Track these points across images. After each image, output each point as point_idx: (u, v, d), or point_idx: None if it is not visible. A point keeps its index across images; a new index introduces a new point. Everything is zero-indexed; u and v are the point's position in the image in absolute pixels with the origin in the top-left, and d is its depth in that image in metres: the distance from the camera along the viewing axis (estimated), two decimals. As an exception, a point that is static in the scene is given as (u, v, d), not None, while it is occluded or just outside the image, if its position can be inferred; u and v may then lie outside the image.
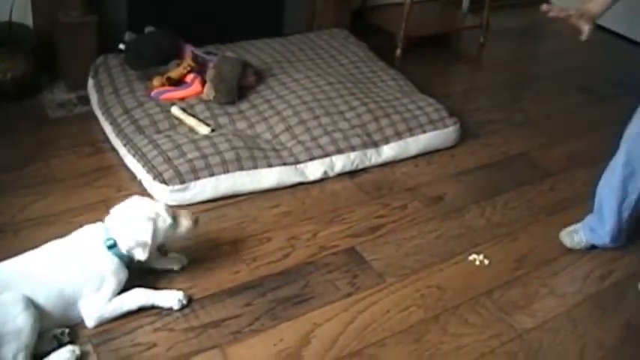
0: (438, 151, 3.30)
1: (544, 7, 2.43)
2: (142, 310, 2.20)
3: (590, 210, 2.73)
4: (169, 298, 2.22)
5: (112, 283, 2.14)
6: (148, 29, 3.37)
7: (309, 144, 3.00)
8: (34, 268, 2.07)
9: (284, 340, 2.18)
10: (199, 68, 3.25)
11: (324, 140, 3.02)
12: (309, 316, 2.29)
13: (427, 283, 2.49)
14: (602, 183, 2.66)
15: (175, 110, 3.05)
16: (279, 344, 2.17)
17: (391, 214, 2.84)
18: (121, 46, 3.28)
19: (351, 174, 3.05)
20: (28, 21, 3.40)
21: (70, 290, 2.07)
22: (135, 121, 2.98)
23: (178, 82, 3.21)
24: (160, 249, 2.33)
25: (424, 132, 3.23)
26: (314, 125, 3.08)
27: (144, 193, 2.66)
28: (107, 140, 3.03)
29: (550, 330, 2.36)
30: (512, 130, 3.63)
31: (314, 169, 2.95)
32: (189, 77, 3.21)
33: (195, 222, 2.33)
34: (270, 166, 2.86)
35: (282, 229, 2.68)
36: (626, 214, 2.61)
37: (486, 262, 2.63)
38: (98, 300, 2.12)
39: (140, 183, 2.76)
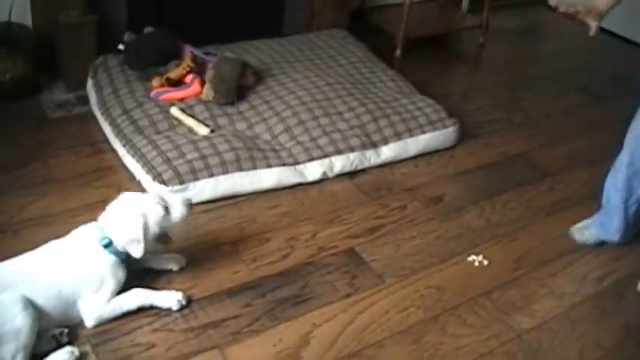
0: (437, 151, 3.30)
1: (553, 1, 2.46)
2: (141, 310, 2.20)
3: (594, 208, 2.76)
4: (168, 298, 2.22)
5: (110, 282, 2.14)
6: (148, 29, 3.37)
7: (308, 144, 3.00)
8: (34, 269, 2.07)
9: (283, 341, 2.18)
10: (198, 69, 3.25)
11: (323, 141, 3.02)
12: (309, 317, 2.29)
13: (426, 284, 2.50)
14: (607, 182, 2.69)
15: (174, 111, 3.05)
16: (278, 345, 2.17)
17: (390, 215, 2.84)
18: (121, 47, 3.28)
19: (351, 175, 3.05)
20: (28, 21, 3.40)
21: (69, 290, 2.07)
22: (134, 122, 2.98)
23: (178, 83, 3.21)
24: (162, 239, 2.30)
25: (423, 132, 3.23)
26: (313, 126, 3.08)
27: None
28: (106, 140, 3.03)
29: (549, 330, 2.36)
30: (512, 130, 3.63)
31: (313, 170, 2.95)
32: (189, 78, 3.21)
33: (189, 205, 2.31)
34: (269, 166, 2.86)
35: (282, 229, 2.68)
36: (632, 210, 2.64)
37: (485, 262, 2.63)
38: (97, 300, 2.12)
39: (139, 183, 2.76)
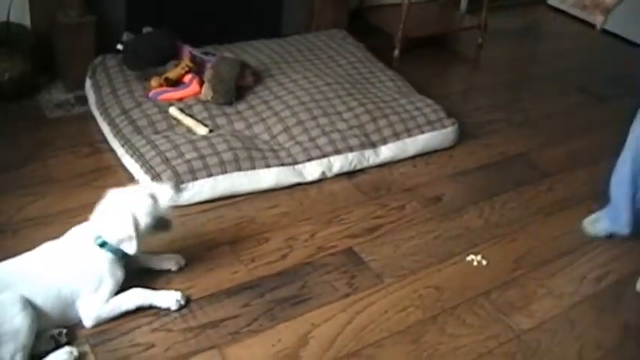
0: (436, 151, 3.29)
1: None
2: (139, 310, 2.19)
3: (594, 208, 2.80)
4: (167, 298, 2.22)
5: (109, 282, 2.14)
6: (146, 29, 3.37)
7: (307, 144, 3.00)
8: (32, 269, 2.07)
9: (282, 341, 2.18)
10: (197, 69, 3.25)
11: (322, 141, 3.02)
12: (307, 317, 2.28)
13: (425, 284, 2.49)
14: (613, 179, 2.73)
15: (173, 111, 3.05)
16: (277, 345, 2.17)
17: (389, 215, 2.84)
18: (119, 47, 3.28)
19: (349, 174, 3.05)
20: (26, 21, 3.40)
21: (67, 291, 2.07)
22: (133, 122, 2.98)
23: (176, 83, 3.21)
24: (161, 226, 2.27)
25: (422, 132, 3.23)
26: (312, 126, 3.08)
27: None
28: (105, 140, 3.03)
29: (548, 330, 2.36)
30: (512, 130, 3.63)
31: (312, 170, 2.95)
32: (187, 78, 3.21)
33: (177, 188, 2.29)
34: (268, 166, 2.86)
35: (281, 229, 2.68)
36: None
37: (484, 262, 2.63)
38: (96, 300, 2.12)
39: (138, 183, 2.76)
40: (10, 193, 2.67)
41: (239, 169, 2.80)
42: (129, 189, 2.23)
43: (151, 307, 2.21)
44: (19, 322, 1.91)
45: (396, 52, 4.13)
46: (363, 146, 3.07)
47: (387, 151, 3.14)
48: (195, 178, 2.72)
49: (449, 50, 4.66)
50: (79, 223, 2.23)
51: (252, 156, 2.86)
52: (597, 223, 2.83)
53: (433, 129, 3.26)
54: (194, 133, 2.96)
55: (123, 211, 2.14)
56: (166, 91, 3.15)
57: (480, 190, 3.07)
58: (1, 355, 1.88)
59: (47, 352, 1.99)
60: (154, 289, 2.25)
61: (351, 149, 3.04)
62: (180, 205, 2.70)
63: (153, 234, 2.24)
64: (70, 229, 2.22)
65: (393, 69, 3.80)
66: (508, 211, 2.96)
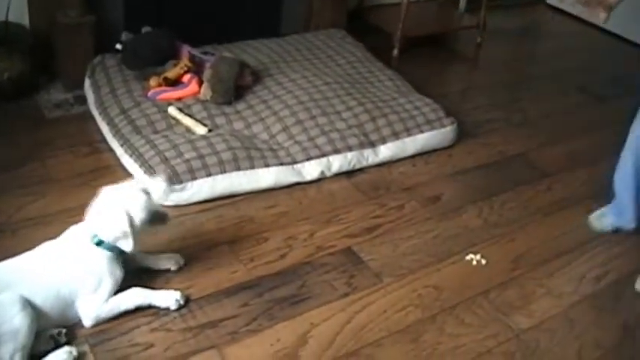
0: (435, 150, 3.30)
1: None
2: (139, 310, 2.19)
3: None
4: (166, 298, 2.22)
5: (108, 281, 2.13)
6: (145, 29, 3.37)
7: (306, 144, 3.00)
8: (32, 269, 2.07)
9: (281, 340, 2.18)
10: (196, 68, 3.25)
11: (321, 140, 3.02)
12: (306, 316, 2.28)
13: (424, 283, 2.50)
14: (616, 175, 2.77)
15: (172, 110, 3.05)
16: (276, 344, 2.17)
17: (388, 214, 2.84)
18: (118, 46, 3.28)
19: (348, 174, 3.05)
20: (25, 21, 3.40)
21: (66, 290, 2.07)
22: (132, 121, 2.98)
23: (175, 83, 3.21)
24: (157, 220, 2.26)
25: (421, 132, 3.23)
26: (311, 125, 3.08)
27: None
28: (104, 140, 3.03)
29: (547, 330, 2.36)
30: (511, 129, 3.63)
31: (311, 169, 2.95)
32: (186, 77, 3.21)
33: (169, 179, 2.29)
34: (267, 166, 2.86)
35: (280, 229, 2.68)
36: None
37: (483, 262, 2.63)
38: (95, 300, 2.12)
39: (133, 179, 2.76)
40: (9, 193, 2.67)
41: (238, 168, 2.80)
42: (122, 185, 2.22)
43: (150, 307, 2.21)
44: (18, 322, 1.91)
45: (395, 52, 4.13)
46: (362, 146, 3.07)
47: (386, 151, 3.14)
48: (194, 178, 2.72)
49: (448, 50, 4.66)
50: (78, 222, 2.23)
51: (251, 155, 2.86)
52: (603, 219, 2.86)
53: (432, 128, 3.26)
54: (193, 133, 2.96)
55: (117, 209, 2.13)
56: (165, 91, 3.15)
57: (478, 190, 3.07)
58: (0, 354, 1.88)
59: (47, 352, 1.99)
60: (153, 288, 2.24)
61: (350, 149, 3.04)
62: (180, 204, 2.70)
63: (149, 228, 2.24)
64: (69, 229, 2.22)
65: (392, 68, 3.80)
66: (507, 210, 2.96)
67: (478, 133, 3.53)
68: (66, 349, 2.01)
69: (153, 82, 3.17)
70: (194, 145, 2.83)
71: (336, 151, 3.01)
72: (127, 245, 2.14)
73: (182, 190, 2.70)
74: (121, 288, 2.18)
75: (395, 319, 2.33)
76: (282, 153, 2.95)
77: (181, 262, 2.40)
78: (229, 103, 3.16)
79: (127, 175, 2.80)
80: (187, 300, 2.27)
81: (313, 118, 3.12)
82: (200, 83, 3.18)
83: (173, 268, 2.38)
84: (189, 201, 2.73)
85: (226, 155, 2.81)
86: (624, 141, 2.70)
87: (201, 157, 2.77)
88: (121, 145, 2.89)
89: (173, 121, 3.02)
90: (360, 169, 3.08)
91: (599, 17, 2.59)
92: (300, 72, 3.47)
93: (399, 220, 2.81)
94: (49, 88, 3.39)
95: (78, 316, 2.12)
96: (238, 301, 2.31)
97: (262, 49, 3.68)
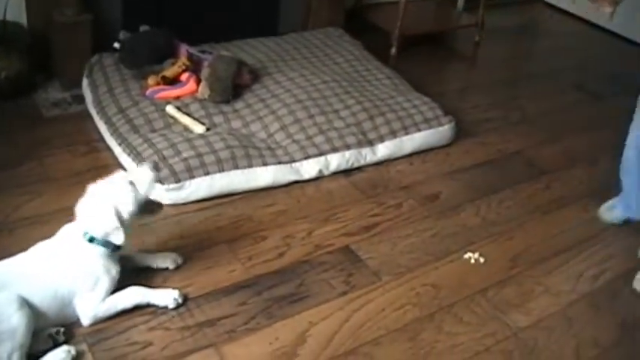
0: (433, 149, 3.30)
1: None
2: (137, 308, 2.19)
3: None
4: (165, 296, 2.22)
5: (104, 278, 2.12)
6: (143, 28, 3.36)
7: (304, 143, 3.00)
8: (29, 268, 2.07)
9: (279, 339, 2.18)
10: (194, 67, 3.25)
11: (319, 139, 3.02)
12: (305, 315, 2.28)
13: (422, 282, 2.50)
14: (621, 169, 2.79)
15: (170, 109, 3.05)
16: (274, 343, 2.17)
17: (386, 213, 2.84)
18: (116, 45, 3.27)
19: (346, 172, 3.05)
20: (23, 20, 3.39)
21: (64, 289, 2.06)
22: (130, 120, 2.97)
23: (173, 81, 3.20)
24: (149, 210, 2.26)
25: (419, 130, 3.23)
26: (309, 124, 3.08)
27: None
28: (102, 139, 3.03)
29: (545, 328, 2.36)
30: (509, 128, 3.63)
31: (309, 168, 2.95)
32: (184, 76, 3.21)
33: (155, 168, 2.28)
34: (265, 164, 2.86)
35: (278, 227, 2.68)
36: None
37: (481, 260, 2.63)
38: (93, 298, 2.11)
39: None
40: (6, 192, 2.67)
41: (236, 167, 2.80)
42: (109, 179, 2.21)
43: (148, 306, 2.21)
44: (16, 321, 1.91)
45: (393, 50, 4.13)
46: (360, 144, 3.07)
47: (384, 149, 3.14)
48: (192, 177, 2.72)
49: (446, 48, 4.66)
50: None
51: (249, 154, 2.86)
52: (614, 210, 2.89)
53: (430, 127, 3.26)
54: (191, 132, 2.96)
55: (105, 203, 2.13)
56: (163, 90, 3.15)
57: (476, 188, 3.07)
58: (-2, 354, 1.89)
59: (45, 351, 1.98)
60: (151, 287, 2.24)
61: (348, 147, 3.04)
62: (177, 203, 2.70)
63: (143, 219, 2.23)
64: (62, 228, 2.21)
65: (390, 67, 3.80)
66: (505, 209, 2.96)
67: (476, 131, 3.53)
68: (64, 348, 2.01)
69: (151, 80, 3.17)
70: (192, 143, 2.82)
71: (334, 150, 3.01)
72: (118, 238, 2.13)
73: (180, 188, 2.70)
74: (119, 287, 2.18)
75: (393, 317, 2.33)
76: (280, 152, 2.95)
77: (179, 260, 2.40)
78: (227, 101, 3.16)
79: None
80: (185, 299, 2.27)
81: (311, 116, 3.12)
82: (198, 82, 3.17)
83: (171, 266, 2.38)
84: (187, 200, 2.73)
85: (224, 154, 2.81)
86: (622, 139, 2.70)
87: (199, 155, 2.77)
88: (119, 144, 2.88)
89: (171, 120, 3.02)
90: (358, 168, 3.08)
91: (605, 12, 2.61)
92: (298, 71, 3.47)
93: (397, 219, 2.81)
94: (46, 87, 3.39)
95: (76, 315, 2.11)
96: (236, 300, 2.31)
97: (260, 47, 3.68)
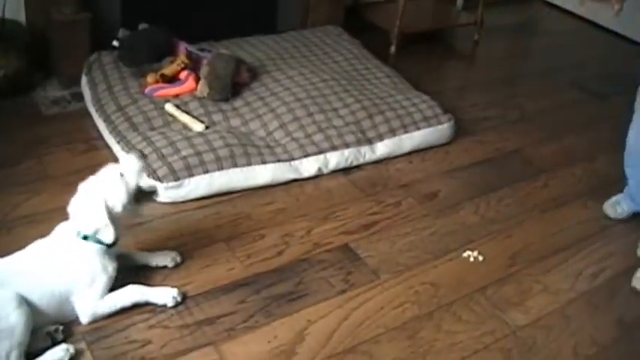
0: (432, 147, 3.30)
1: None
2: (136, 307, 2.19)
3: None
4: (163, 295, 2.22)
5: (101, 275, 2.12)
6: (142, 26, 3.36)
7: (303, 141, 3.00)
8: (27, 266, 2.07)
9: (278, 337, 2.18)
10: (193, 65, 3.24)
11: (318, 137, 3.02)
12: (303, 313, 2.29)
13: (421, 280, 2.50)
14: (625, 163, 2.81)
15: (169, 107, 3.04)
16: (273, 341, 2.17)
17: (385, 211, 2.84)
18: (115, 43, 3.27)
19: (345, 171, 3.05)
20: (21, 18, 3.39)
21: (62, 287, 2.06)
22: (129, 118, 2.97)
23: (172, 79, 3.20)
24: (141, 200, 2.26)
25: (418, 129, 3.23)
26: (308, 122, 3.08)
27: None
28: (101, 137, 3.03)
29: (543, 327, 2.37)
30: (507, 126, 3.63)
31: (308, 166, 2.95)
32: (183, 74, 3.21)
33: (142, 156, 2.27)
34: (264, 162, 2.86)
35: (276, 225, 2.68)
36: None
37: (480, 258, 2.63)
38: (91, 295, 2.11)
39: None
40: (5, 191, 2.66)
41: (235, 165, 2.80)
42: (98, 174, 2.20)
43: (147, 304, 2.21)
44: (14, 319, 1.91)
45: (392, 49, 4.13)
46: (359, 142, 3.07)
47: (383, 148, 3.14)
48: (191, 175, 2.72)
49: (445, 46, 4.66)
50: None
51: (248, 152, 2.86)
52: (618, 206, 2.90)
53: (429, 125, 3.26)
54: (190, 130, 2.96)
55: (94, 200, 2.12)
56: (162, 88, 3.15)
57: (475, 187, 3.07)
58: (-3, 352, 1.89)
59: (43, 350, 1.98)
60: (150, 285, 2.24)
61: (347, 145, 3.04)
62: (176, 201, 2.70)
63: (137, 210, 2.23)
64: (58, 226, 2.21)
65: (389, 65, 3.80)
66: (504, 207, 2.96)
67: (475, 129, 3.53)
68: (63, 346, 2.01)
69: (150, 79, 3.17)
70: (191, 142, 2.82)
71: (334, 148, 3.01)
72: (108, 236, 2.12)
73: (179, 187, 2.70)
74: (118, 285, 2.18)
75: (392, 315, 2.33)
76: (279, 150, 2.95)
77: (178, 259, 2.40)
78: (226, 99, 3.16)
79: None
80: (184, 297, 2.27)
81: (310, 115, 3.12)
82: (197, 80, 3.17)
83: (170, 265, 2.38)
84: (186, 198, 2.73)
85: (223, 152, 2.81)
86: (620, 138, 2.71)
87: (198, 153, 2.77)
88: (118, 142, 2.88)
89: (170, 118, 3.02)
90: (357, 166, 3.08)
91: (613, 8, 2.63)
92: (297, 69, 3.47)
93: (396, 217, 2.81)
94: (45, 85, 3.39)
95: (75, 313, 2.11)
96: (235, 298, 2.31)
97: (259, 45, 3.68)
